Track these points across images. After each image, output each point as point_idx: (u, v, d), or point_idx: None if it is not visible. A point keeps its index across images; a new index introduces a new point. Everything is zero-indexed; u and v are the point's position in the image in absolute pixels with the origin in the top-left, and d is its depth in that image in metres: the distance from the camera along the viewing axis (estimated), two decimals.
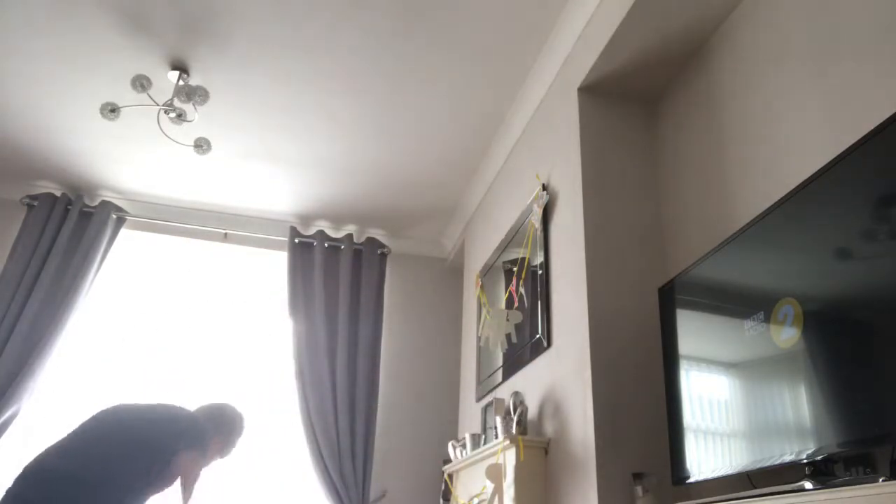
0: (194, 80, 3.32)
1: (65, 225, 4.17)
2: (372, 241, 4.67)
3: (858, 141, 1.49)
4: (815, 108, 1.93)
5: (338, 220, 4.66)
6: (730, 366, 1.86)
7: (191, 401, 4.16)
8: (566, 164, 2.83)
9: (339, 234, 4.67)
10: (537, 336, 2.84)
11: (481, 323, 3.62)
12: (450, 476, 3.60)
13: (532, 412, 2.81)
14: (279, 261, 4.57)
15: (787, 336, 1.62)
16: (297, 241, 4.54)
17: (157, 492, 2.45)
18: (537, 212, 2.96)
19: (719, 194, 2.34)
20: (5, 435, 3.74)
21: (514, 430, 2.67)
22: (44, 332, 3.91)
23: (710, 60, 2.53)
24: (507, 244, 3.43)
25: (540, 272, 2.91)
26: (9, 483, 2.27)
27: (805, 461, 1.52)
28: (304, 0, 2.85)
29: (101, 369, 4.18)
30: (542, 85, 3.17)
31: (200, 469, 2.55)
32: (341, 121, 3.61)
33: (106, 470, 2.27)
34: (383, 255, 4.69)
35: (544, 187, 2.99)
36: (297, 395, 4.16)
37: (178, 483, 2.49)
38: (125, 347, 4.26)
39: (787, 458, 1.57)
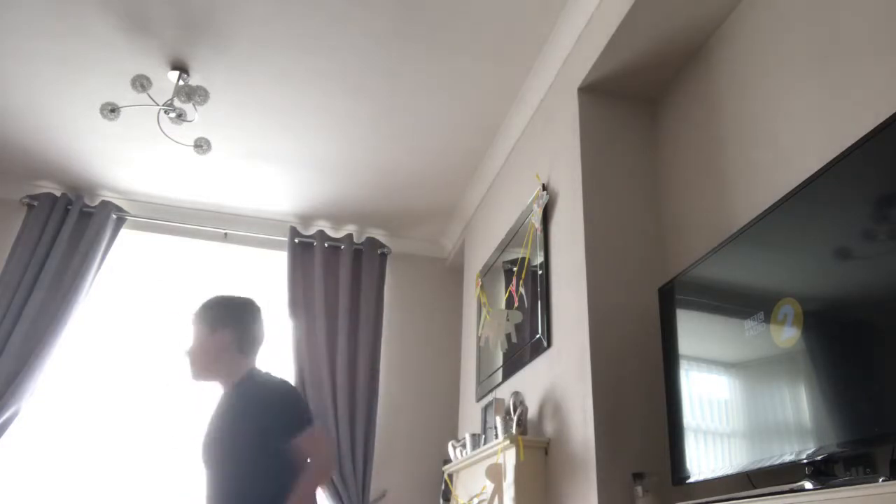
0: (194, 80, 3.32)
1: (65, 225, 4.17)
2: (372, 241, 4.66)
3: (858, 141, 1.49)
4: (815, 108, 1.93)
5: (338, 220, 4.66)
6: (730, 366, 1.85)
7: (189, 401, 4.18)
8: (566, 164, 2.83)
9: (339, 234, 4.67)
10: (537, 336, 2.84)
11: (481, 323, 3.62)
12: (450, 476, 3.60)
13: (532, 412, 2.81)
14: (279, 261, 4.57)
15: (787, 336, 1.62)
16: (297, 241, 4.54)
17: None
18: (537, 212, 2.96)
19: (719, 194, 2.34)
20: (5, 435, 3.74)
21: (514, 430, 2.67)
22: (44, 332, 3.91)
23: (709, 60, 2.52)
24: (507, 244, 3.43)
25: (540, 272, 2.91)
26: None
27: (805, 461, 1.52)
28: (304, 0, 2.85)
29: (101, 369, 4.17)
30: (542, 85, 3.17)
31: None
32: (341, 121, 3.61)
33: None
34: (383, 255, 4.69)
35: (544, 187, 2.99)
36: None
37: None
38: (125, 347, 4.25)
39: (787, 458, 1.57)
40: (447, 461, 3.64)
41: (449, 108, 3.48)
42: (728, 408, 1.83)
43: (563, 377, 2.58)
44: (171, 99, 3.27)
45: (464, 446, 3.27)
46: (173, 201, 4.48)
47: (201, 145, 3.50)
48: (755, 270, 1.79)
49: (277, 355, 4.36)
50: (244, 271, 4.61)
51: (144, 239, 4.50)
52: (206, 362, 2.11)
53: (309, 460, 1.99)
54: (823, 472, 1.50)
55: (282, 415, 2.00)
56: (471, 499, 3.05)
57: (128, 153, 3.97)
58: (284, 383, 2.09)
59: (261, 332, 2.20)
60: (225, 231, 4.58)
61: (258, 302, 2.25)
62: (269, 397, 2.04)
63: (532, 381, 2.87)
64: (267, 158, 3.97)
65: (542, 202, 2.95)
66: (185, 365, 2.13)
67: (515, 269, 3.25)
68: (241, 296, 2.24)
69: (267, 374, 2.14)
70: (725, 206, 2.29)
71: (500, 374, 3.28)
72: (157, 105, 3.32)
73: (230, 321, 2.15)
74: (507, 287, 3.37)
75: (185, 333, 2.19)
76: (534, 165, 3.23)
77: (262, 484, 1.95)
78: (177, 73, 3.24)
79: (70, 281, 4.05)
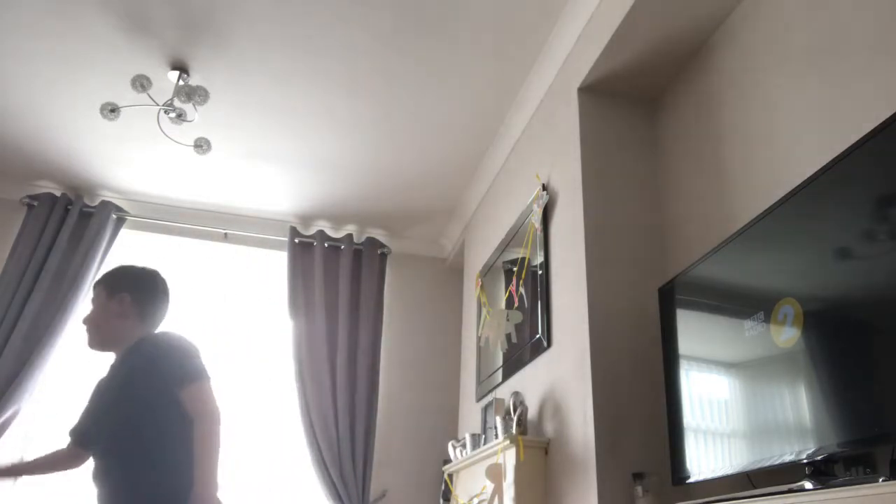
0: (194, 80, 3.32)
1: (65, 225, 4.17)
2: (372, 241, 4.66)
3: (858, 141, 1.49)
4: (816, 108, 1.93)
5: (338, 220, 4.66)
6: (730, 366, 1.85)
7: None
8: (566, 164, 2.83)
9: (339, 234, 4.67)
10: (537, 336, 2.84)
11: (481, 323, 3.62)
12: (450, 476, 3.60)
13: (532, 412, 2.81)
14: (279, 261, 4.57)
15: (787, 336, 1.62)
16: (297, 241, 4.54)
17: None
18: (537, 212, 2.96)
19: (719, 194, 2.34)
20: (5, 435, 3.74)
21: (514, 430, 2.67)
22: (44, 332, 3.91)
23: (710, 60, 2.52)
24: (507, 244, 3.43)
25: (540, 272, 2.91)
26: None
27: (805, 461, 1.51)
28: (304, 0, 2.85)
29: (101, 369, 4.17)
30: (542, 85, 3.17)
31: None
32: (341, 121, 3.61)
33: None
34: (383, 255, 4.69)
35: (544, 187, 2.99)
36: (297, 396, 4.16)
37: None
38: None
39: (787, 458, 1.57)
40: (447, 461, 3.64)
41: (449, 108, 3.48)
42: (728, 408, 1.83)
43: (563, 377, 2.58)
44: (171, 99, 3.27)
45: (464, 446, 3.27)
46: (173, 201, 4.48)
47: (201, 145, 3.50)
48: (755, 270, 1.79)
49: (278, 355, 4.37)
50: (244, 271, 4.61)
51: (144, 239, 4.50)
52: (103, 328, 2.06)
53: (195, 421, 1.88)
54: (823, 472, 1.50)
55: (168, 364, 1.94)
56: (471, 499, 3.05)
57: (128, 153, 3.97)
58: (174, 335, 2.03)
59: (162, 303, 2.16)
60: (225, 231, 4.58)
61: (162, 275, 2.21)
62: (156, 349, 1.99)
63: (532, 381, 2.87)
64: (267, 158, 3.97)
65: (542, 202, 2.95)
66: (85, 334, 2.09)
67: (515, 269, 3.25)
68: (146, 267, 2.21)
69: (161, 332, 2.08)
70: (725, 206, 2.29)
71: (500, 374, 3.28)
72: (157, 105, 3.32)
73: (129, 287, 2.10)
74: (507, 287, 3.37)
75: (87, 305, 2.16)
76: (534, 165, 3.23)
77: (170, 450, 1.88)
78: (177, 73, 3.24)
79: (70, 281, 4.05)
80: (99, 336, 2.08)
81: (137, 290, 2.11)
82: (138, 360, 1.99)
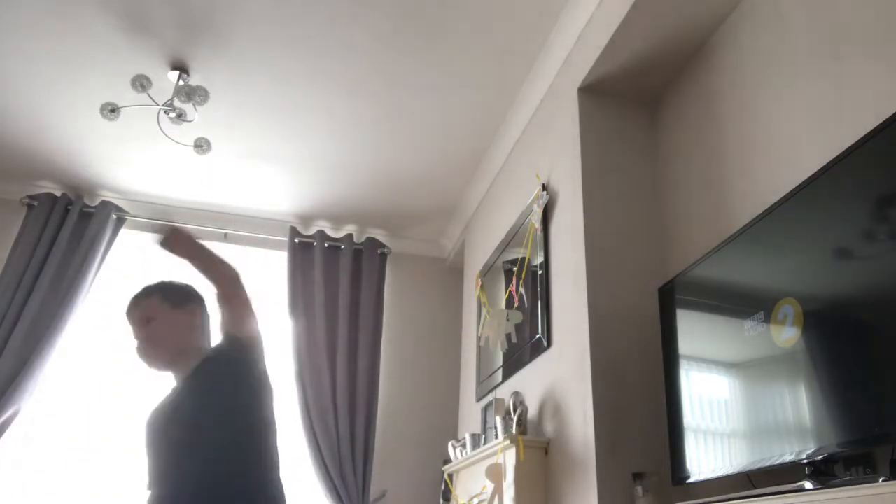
0: (194, 80, 3.32)
1: (65, 225, 4.17)
2: (372, 241, 4.66)
3: (858, 141, 1.49)
4: (815, 108, 1.93)
5: (338, 220, 4.66)
6: (730, 366, 1.85)
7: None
8: (566, 164, 2.83)
9: (339, 234, 4.67)
10: (537, 336, 2.84)
11: (481, 323, 3.62)
12: (450, 476, 3.60)
13: (532, 412, 2.81)
14: (279, 261, 4.57)
15: (787, 336, 1.62)
16: (297, 241, 4.54)
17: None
18: (537, 212, 2.97)
19: (719, 194, 2.34)
20: (5, 435, 3.74)
21: (514, 430, 2.67)
22: (44, 332, 3.91)
23: (710, 60, 2.52)
24: (507, 244, 3.43)
25: (540, 272, 2.91)
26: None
27: (805, 461, 1.52)
28: (304, 0, 2.85)
29: (100, 369, 4.17)
30: (542, 85, 3.17)
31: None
32: (341, 121, 3.61)
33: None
34: (383, 255, 4.69)
35: (544, 187, 2.99)
36: (297, 396, 4.16)
37: None
38: (125, 347, 4.25)
39: (787, 458, 1.57)
40: (447, 461, 3.64)
41: (449, 108, 3.48)
42: (728, 408, 1.83)
43: (563, 377, 2.58)
44: (171, 99, 3.27)
45: (464, 446, 3.27)
46: (173, 201, 4.48)
47: (201, 145, 3.50)
48: (755, 270, 1.79)
49: (278, 355, 4.37)
50: (244, 271, 4.59)
51: (145, 239, 4.50)
52: (177, 342, 1.81)
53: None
54: (823, 472, 1.50)
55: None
56: (471, 499, 3.05)
57: (128, 153, 3.97)
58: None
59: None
60: (225, 231, 4.58)
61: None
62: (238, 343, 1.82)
63: (532, 381, 2.87)
64: (267, 158, 3.97)
65: (542, 202, 2.95)
66: (143, 356, 1.81)
67: (515, 269, 3.25)
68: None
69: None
70: (725, 206, 2.29)
71: (500, 374, 3.28)
72: (157, 105, 3.32)
73: (198, 299, 1.92)
74: (507, 287, 3.37)
75: (128, 333, 1.86)
76: (534, 165, 3.23)
77: (255, 457, 1.67)
78: (177, 73, 3.24)
79: (70, 281, 4.05)
80: (169, 352, 1.81)
81: (203, 303, 1.94)
82: (228, 356, 1.79)
